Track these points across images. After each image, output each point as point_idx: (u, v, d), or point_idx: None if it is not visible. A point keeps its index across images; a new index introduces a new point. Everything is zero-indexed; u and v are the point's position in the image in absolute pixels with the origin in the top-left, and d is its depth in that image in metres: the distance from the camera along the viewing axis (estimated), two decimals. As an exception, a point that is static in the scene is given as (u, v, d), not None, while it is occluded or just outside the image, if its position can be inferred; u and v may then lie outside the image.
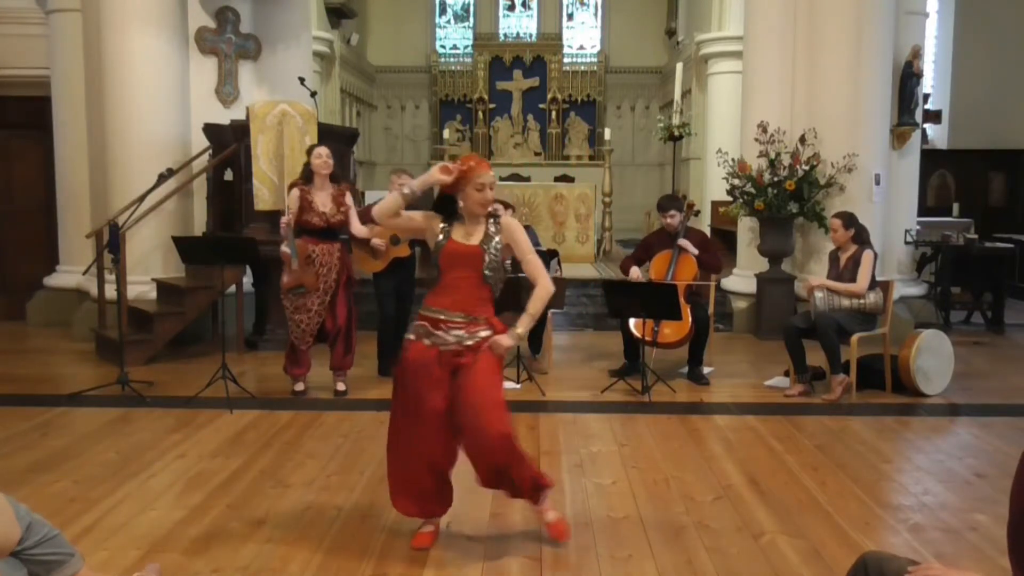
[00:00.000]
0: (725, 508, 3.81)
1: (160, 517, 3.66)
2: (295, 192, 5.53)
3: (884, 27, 7.74)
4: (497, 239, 3.30)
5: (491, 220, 3.33)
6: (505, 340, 3.27)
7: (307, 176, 5.57)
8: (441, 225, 3.31)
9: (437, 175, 3.18)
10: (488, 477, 3.36)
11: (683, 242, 6.21)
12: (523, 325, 3.31)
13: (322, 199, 5.53)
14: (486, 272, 3.27)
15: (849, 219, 5.90)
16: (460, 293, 3.27)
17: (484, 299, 3.31)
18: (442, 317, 3.26)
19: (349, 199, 5.64)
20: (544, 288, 3.32)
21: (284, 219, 5.46)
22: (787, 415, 5.38)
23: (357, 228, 5.72)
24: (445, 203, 3.31)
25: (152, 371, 6.41)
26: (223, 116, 7.57)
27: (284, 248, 5.49)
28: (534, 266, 3.35)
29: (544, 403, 5.66)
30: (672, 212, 6.26)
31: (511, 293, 5.86)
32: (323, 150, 5.58)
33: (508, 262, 3.41)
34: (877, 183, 7.78)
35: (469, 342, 3.25)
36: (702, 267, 6.27)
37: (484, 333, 3.27)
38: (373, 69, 17.29)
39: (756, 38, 8.18)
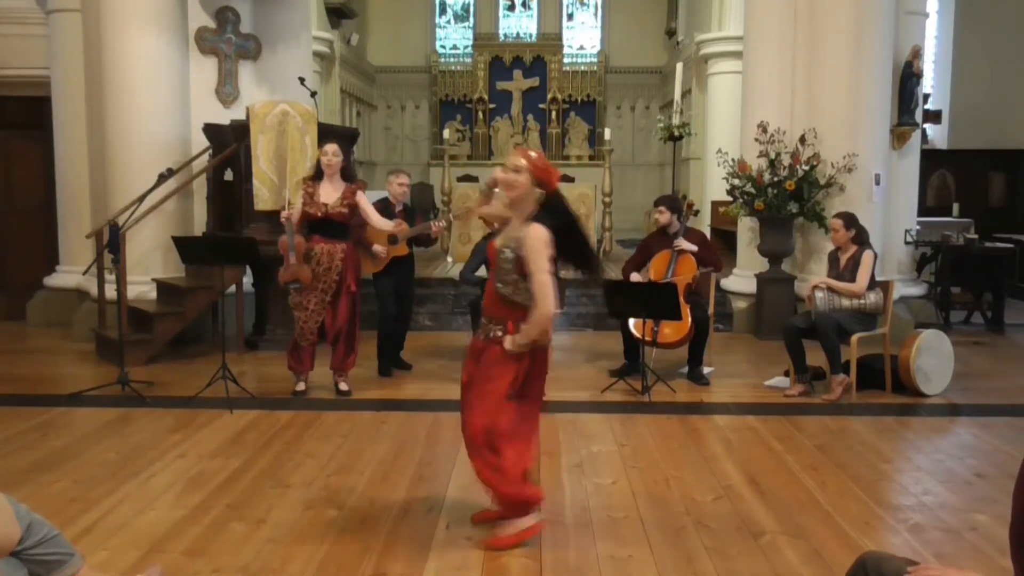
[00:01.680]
0: (725, 508, 3.81)
1: (160, 517, 3.66)
2: (299, 188, 5.62)
3: (884, 27, 7.73)
4: (509, 248, 3.24)
5: (527, 225, 3.23)
6: (506, 344, 3.28)
7: (317, 173, 5.61)
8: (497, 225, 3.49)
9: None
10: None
11: (680, 242, 6.21)
12: (514, 342, 3.26)
13: (327, 193, 5.55)
14: (497, 276, 3.29)
15: (850, 220, 5.90)
16: (489, 295, 3.37)
17: (502, 302, 3.29)
18: (483, 317, 3.42)
19: (360, 197, 5.61)
20: (540, 314, 3.19)
21: (285, 212, 5.51)
22: (787, 415, 5.38)
23: (377, 221, 5.70)
24: None
25: (152, 371, 6.41)
26: (223, 116, 7.57)
27: (283, 237, 5.51)
28: (540, 285, 3.17)
29: (544, 403, 5.64)
30: (661, 208, 6.26)
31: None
32: (330, 147, 5.59)
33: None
34: (877, 183, 7.78)
35: (490, 336, 3.35)
36: (701, 265, 6.27)
37: (499, 333, 3.32)
38: (373, 69, 17.30)
39: (756, 38, 8.18)
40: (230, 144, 7.01)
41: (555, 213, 3.29)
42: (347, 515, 3.70)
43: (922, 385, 5.80)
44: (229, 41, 7.92)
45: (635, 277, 6.26)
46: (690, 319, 6.02)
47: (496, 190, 3.40)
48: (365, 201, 5.64)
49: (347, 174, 5.65)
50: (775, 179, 7.67)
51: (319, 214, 5.50)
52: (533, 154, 3.30)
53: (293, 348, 5.75)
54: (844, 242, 5.89)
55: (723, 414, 5.45)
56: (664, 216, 6.24)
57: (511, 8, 18.36)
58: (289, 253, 5.49)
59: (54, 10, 8.12)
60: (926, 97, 10.80)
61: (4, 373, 6.47)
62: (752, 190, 7.79)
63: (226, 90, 7.94)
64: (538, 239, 3.18)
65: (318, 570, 3.17)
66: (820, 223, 7.65)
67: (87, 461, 4.40)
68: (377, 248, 6.10)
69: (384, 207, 6.36)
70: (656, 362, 6.31)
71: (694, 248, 6.20)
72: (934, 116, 13.01)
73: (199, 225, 7.68)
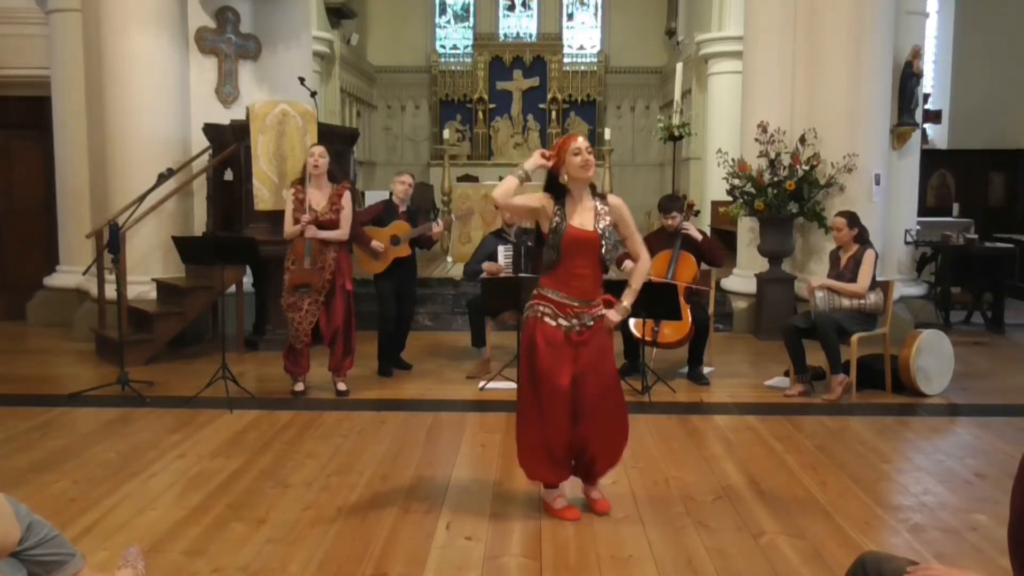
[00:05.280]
0: (725, 508, 3.81)
1: (160, 517, 3.66)
2: (288, 192, 5.61)
3: (884, 27, 7.73)
4: (608, 220, 3.53)
5: (598, 199, 3.56)
6: (613, 316, 3.57)
7: (304, 176, 5.60)
8: (555, 207, 3.54)
9: (540, 160, 3.52)
10: (579, 457, 3.70)
11: (687, 225, 6.20)
12: (627, 299, 3.61)
13: (316, 198, 5.55)
14: (605, 256, 3.52)
15: (852, 218, 5.89)
16: (582, 280, 3.53)
17: (600, 280, 3.60)
18: (567, 303, 3.53)
19: (346, 199, 5.61)
20: (644, 263, 3.64)
21: (305, 218, 5.46)
22: (787, 415, 5.38)
23: (342, 232, 5.58)
24: (553, 181, 3.58)
25: (152, 371, 6.41)
26: (223, 116, 7.56)
27: (298, 241, 5.49)
28: (638, 242, 3.66)
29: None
30: (674, 214, 6.24)
31: (512, 292, 5.88)
32: (316, 149, 5.59)
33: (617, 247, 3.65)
34: (877, 183, 7.78)
35: (590, 323, 3.55)
36: (703, 257, 6.25)
37: (601, 311, 3.58)
38: (373, 69, 17.30)
39: (756, 38, 8.18)
40: (230, 144, 7.01)
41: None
42: (347, 515, 3.70)
43: (922, 385, 5.80)
44: (229, 41, 7.92)
45: (628, 265, 6.25)
46: (690, 319, 6.02)
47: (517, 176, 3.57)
48: (349, 204, 5.63)
49: (332, 175, 5.64)
50: (775, 179, 7.67)
51: (311, 222, 5.50)
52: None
53: (288, 351, 5.75)
54: (846, 241, 5.88)
55: (723, 414, 5.45)
56: (676, 220, 6.22)
57: (511, 8, 18.34)
58: (305, 258, 5.49)
59: (54, 10, 8.11)
60: (926, 97, 10.80)
61: (4, 373, 6.47)
62: (752, 190, 7.79)
63: (226, 90, 7.94)
64: (625, 207, 3.61)
65: (318, 570, 3.17)
66: (820, 223, 7.65)
67: (87, 461, 4.40)
68: (375, 244, 6.11)
69: (387, 208, 6.37)
70: (656, 362, 6.31)
71: (699, 236, 6.20)
72: (934, 116, 13.01)
73: (199, 225, 7.68)
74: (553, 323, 3.52)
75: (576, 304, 3.52)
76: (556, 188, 3.57)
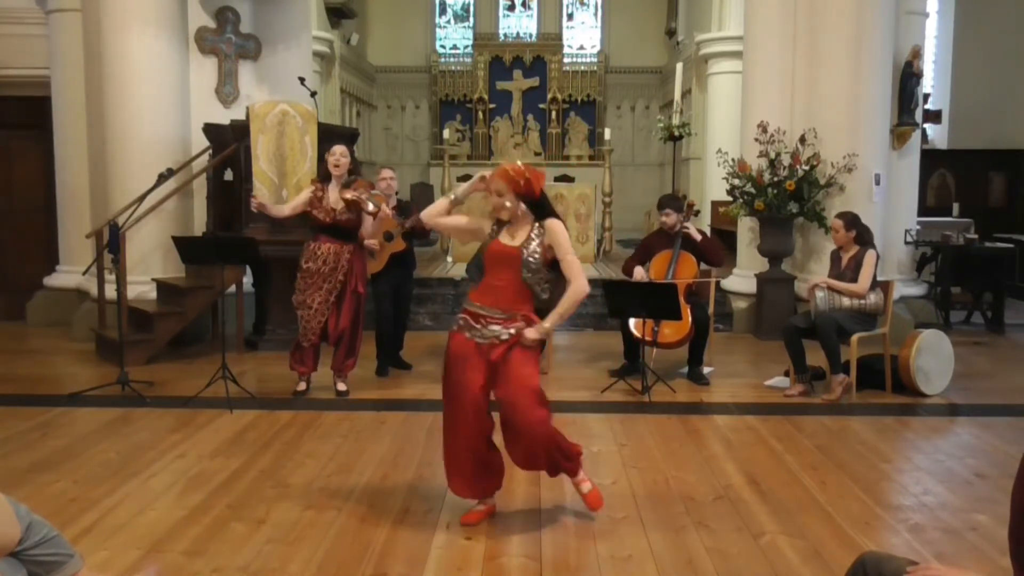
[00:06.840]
0: (725, 508, 3.81)
1: (160, 517, 3.66)
2: (307, 189, 5.64)
3: (884, 27, 7.73)
4: (537, 242, 3.44)
5: (537, 224, 3.47)
6: (530, 333, 3.44)
7: (324, 175, 5.61)
8: (492, 227, 3.53)
9: (476, 184, 3.50)
10: (526, 461, 3.58)
11: (686, 225, 6.21)
12: (551, 320, 3.47)
13: (335, 197, 5.54)
14: (524, 273, 3.42)
15: (852, 221, 5.89)
16: (500, 292, 3.46)
17: (523, 297, 3.47)
18: (482, 313, 3.46)
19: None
20: (576, 290, 3.44)
21: (254, 201, 5.56)
22: (787, 415, 5.38)
23: (365, 228, 5.67)
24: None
25: (152, 371, 6.41)
26: (223, 116, 7.56)
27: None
28: (571, 266, 3.45)
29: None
30: (668, 211, 6.26)
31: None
32: (337, 149, 5.60)
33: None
34: (877, 183, 7.78)
35: (504, 336, 3.42)
36: (702, 256, 6.26)
37: (520, 326, 3.44)
38: (373, 69, 17.30)
39: (756, 38, 8.18)
40: (230, 144, 7.00)
41: (542, 213, 3.52)
42: (347, 515, 3.70)
43: (922, 385, 5.80)
44: (229, 41, 7.92)
45: (639, 271, 6.26)
46: (690, 319, 6.02)
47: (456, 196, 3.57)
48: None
49: (354, 176, 5.64)
50: (775, 179, 7.67)
51: (328, 220, 5.50)
52: (512, 173, 3.42)
53: (295, 348, 5.75)
54: (845, 242, 5.88)
55: (723, 414, 5.45)
56: (671, 218, 6.24)
57: (511, 8, 18.36)
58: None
59: (54, 10, 8.12)
60: (926, 97, 10.80)
61: (4, 373, 6.47)
62: (752, 190, 7.79)
63: (226, 90, 7.94)
64: (562, 229, 3.48)
65: (318, 570, 3.17)
66: (820, 223, 7.65)
67: (87, 461, 4.40)
68: (369, 243, 6.06)
69: None
70: (656, 362, 6.31)
71: (698, 236, 6.21)
72: (934, 116, 13.02)
73: (199, 225, 7.68)
74: (467, 335, 3.46)
75: (496, 315, 3.42)
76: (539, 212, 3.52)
